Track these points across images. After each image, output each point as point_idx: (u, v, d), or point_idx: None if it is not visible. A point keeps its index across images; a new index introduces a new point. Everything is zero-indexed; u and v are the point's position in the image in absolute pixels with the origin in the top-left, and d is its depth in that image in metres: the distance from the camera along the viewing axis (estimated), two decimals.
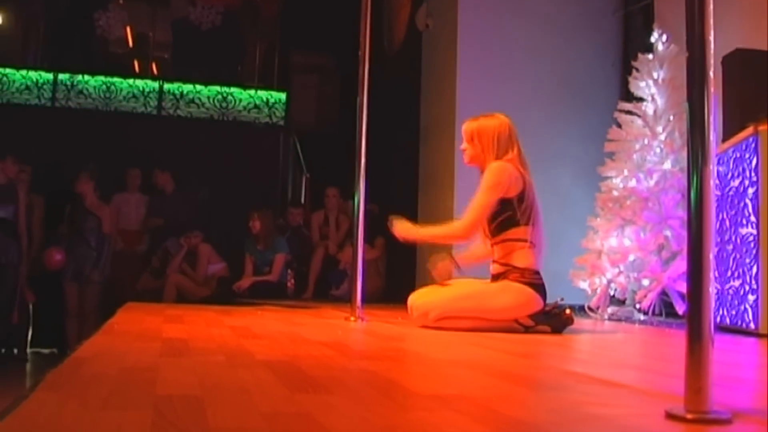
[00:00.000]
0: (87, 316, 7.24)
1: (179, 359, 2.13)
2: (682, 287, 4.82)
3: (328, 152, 10.26)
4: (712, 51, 1.79)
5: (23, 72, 8.57)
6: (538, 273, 3.76)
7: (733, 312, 4.02)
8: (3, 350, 7.02)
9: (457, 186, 6.72)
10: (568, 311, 3.78)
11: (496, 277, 3.82)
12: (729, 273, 4.09)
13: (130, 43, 9.98)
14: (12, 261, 6.88)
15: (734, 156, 4.15)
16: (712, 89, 1.72)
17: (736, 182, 4.08)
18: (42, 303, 7.41)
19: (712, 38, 1.79)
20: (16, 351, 7.28)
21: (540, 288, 3.73)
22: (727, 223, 4.15)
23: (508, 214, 3.74)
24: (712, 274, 1.55)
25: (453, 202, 6.72)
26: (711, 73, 1.76)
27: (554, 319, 3.75)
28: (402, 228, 3.87)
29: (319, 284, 7.63)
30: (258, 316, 3.96)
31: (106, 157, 8.05)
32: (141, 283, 7.67)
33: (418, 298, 3.81)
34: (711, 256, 1.55)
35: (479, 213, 3.73)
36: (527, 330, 3.65)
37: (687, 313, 1.55)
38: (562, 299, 3.80)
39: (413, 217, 7.45)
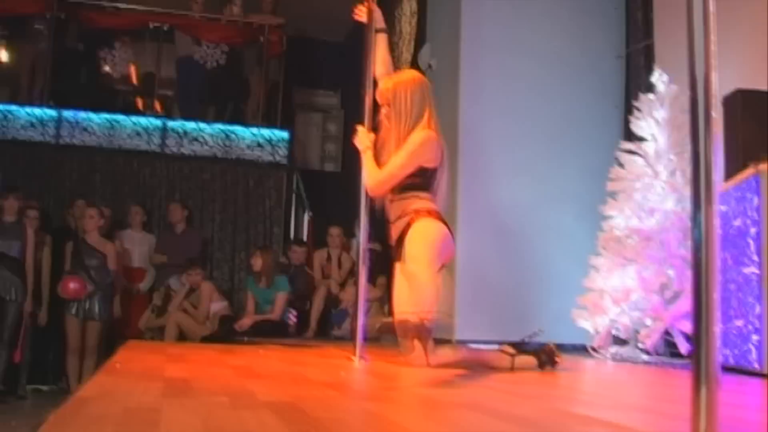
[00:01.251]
0: (88, 353, 7.21)
1: (182, 400, 2.11)
2: (686, 327, 4.81)
3: (331, 190, 10.30)
4: (715, 91, 1.80)
5: (28, 109, 8.62)
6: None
7: (736, 351, 4.00)
8: (2, 388, 6.97)
9: (459, 222, 6.72)
10: (552, 345, 3.75)
11: (399, 241, 3.72)
12: (732, 312, 4.08)
13: (135, 81, 10.04)
14: (16, 298, 6.88)
15: (736, 195, 4.16)
16: (715, 129, 1.72)
17: (738, 221, 4.08)
18: (41, 339, 7.38)
19: (715, 78, 1.80)
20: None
21: (448, 229, 3.69)
22: (730, 262, 4.15)
23: (417, 181, 3.71)
24: (717, 313, 1.54)
25: (455, 240, 6.71)
26: (714, 113, 1.76)
27: (539, 352, 3.72)
28: (360, 138, 3.82)
29: (321, 323, 7.60)
30: (260, 355, 3.95)
31: (110, 194, 8.08)
32: (142, 321, 7.65)
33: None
34: (716, 296, 1.54)
35: (395, 174, 3.68)
36: (513, 366, 3.61)
37: (692, 353, 1.54)
38: (540, 330, 3.78)
39: None
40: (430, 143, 3.71)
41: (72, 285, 7.12)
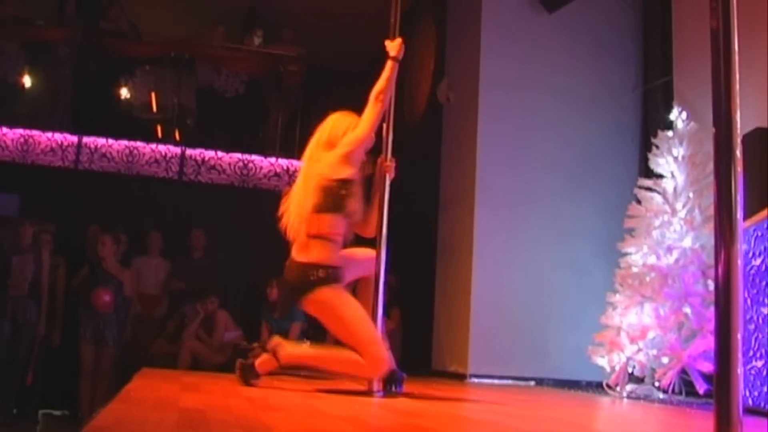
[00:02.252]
0: (101, 378, 7.21)
1: None
2: (703, 366, 4.76)
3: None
4: (738, 129, 1.80)
5: (48, 134, 8.69)
6: None
7: (756, 393, 3.95)
8: (15, 411, 6.97)
9: (476, 257, 6.71)
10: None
11: None
12: (751, 353, 4.04)
13: (155, 109, 10.12)
14: (30, 321, 6.90)
15: (755, 234, 4.13)
16: (739, 167, 1.72)
17: (758, 261, 4.05)
18: (54, 362, 7.38)
19: (738, 116, 1.80)
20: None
21: None
22: (749, 302, 4.11)
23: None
24: (740, 354, 1.53)
25: (471, 273, 6.71)
26: (738, 152, 1.76)
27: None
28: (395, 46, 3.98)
29: None
30: (274, 386, 3.93)
31: (127, 220, 8.11)
32: (156, 348, 7.64)
33: None
34: (739, 337, 1.53)
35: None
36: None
37: (714, 394, 1.53)
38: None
39: (431, 288, 7.49)
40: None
41: (106, 297, 7.17)
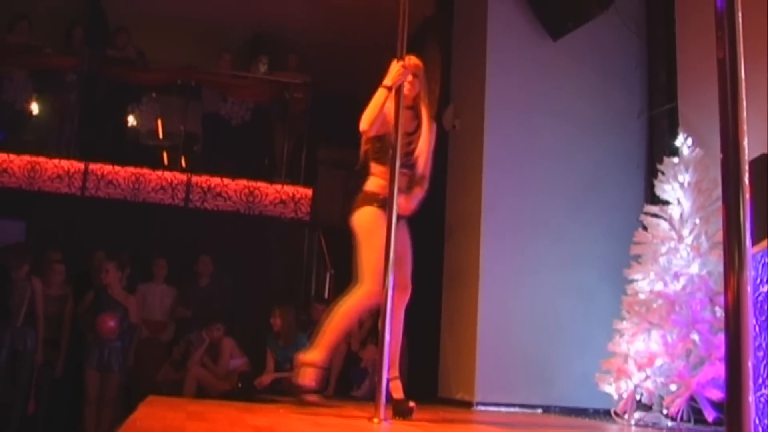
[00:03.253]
0: (106, 406, 7.18)
1: None
2: (712, 393, 4.73)
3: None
4: (746, 155, 1.80)
5: (55, 161, 8.73)
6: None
7: (766, 421, 3.92)
8: None
9: (482, 283, 6.69)
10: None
11: None
12: (760, 380, 4.01)
13: (161, 136, 10.17)
14: (30, 349, 6.89)
15: (762, 261, 4.11)
16: (747, 194, 1.71)
17: (766, 287, 4.03)
18: (58, 391, 7.36)
19: (746, 143, 1.80)
20: None
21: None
22: (757, 329, 4.09)
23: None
24: (750, 381, 1.51)
25: (477, 300, 6.68)
26: (746, 178, 1.76)
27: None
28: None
29: (340, 382, 7.53)
30: (280, 414, 3.90)
31: (133, 246, 8.12)
32: (161, 374, 7.61)
33: None
34: (750, 364, 1.52)
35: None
36: None
37: (725, 422, 1.51)
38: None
39: (437, 315, 7.46)
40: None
41: (111, 323, 7.17)
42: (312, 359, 4.07)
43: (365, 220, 4.16)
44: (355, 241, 4.20)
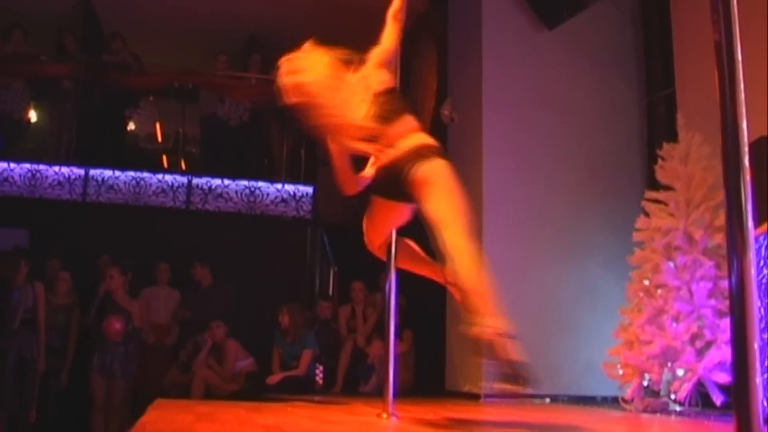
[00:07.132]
0: (114, 411, 7.18)
1: None
2: (719, 377, 4.74)
3: (356, 245, 10.27)
4: (745, 138, 1.80)
5: (55, 168, 8.74)
6: None
7: None
8: None
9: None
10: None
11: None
12: (767, 362, 4.01)
13: (160, 139, 10.16)
14: (34, 356, 6.88)
15: (764, 244, 4.12)
16: (748, 176, 1.72)
17: None
18: (65, 399, 7.36)
19: (744, 126, 1.80)
20: None
21: None
22: (761, 311, 4.09)
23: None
24: (757, 363, 1.52)
25: None
26: (746, 161, 1.76)
27: None
28: None
29: (347, 378, 7.55)
30: (288, 413, 3.91)
31: (136, 251, 8.12)
32: (168, 378, 7.61)
33: None
34: (756, 346, 1.52)
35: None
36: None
37: (732, 406, 1.52)
38: None
39: (440, 312, 7.46)
40: None
41: (117, 325, 7.17)
42: (503, 328, 2.99)
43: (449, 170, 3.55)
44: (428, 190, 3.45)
